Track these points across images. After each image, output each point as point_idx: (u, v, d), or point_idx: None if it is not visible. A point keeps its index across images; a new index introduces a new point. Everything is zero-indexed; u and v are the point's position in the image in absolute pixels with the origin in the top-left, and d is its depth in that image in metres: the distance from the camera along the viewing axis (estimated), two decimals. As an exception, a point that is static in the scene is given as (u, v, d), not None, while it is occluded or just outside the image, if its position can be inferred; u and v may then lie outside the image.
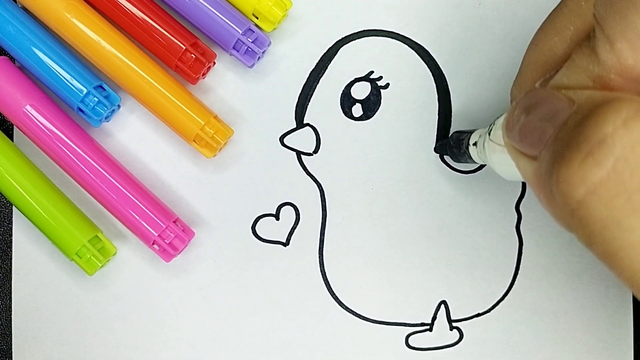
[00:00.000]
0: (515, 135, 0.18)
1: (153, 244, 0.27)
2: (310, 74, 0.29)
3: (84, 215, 0.28)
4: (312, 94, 0.29)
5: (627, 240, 0.14)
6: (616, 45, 0.14)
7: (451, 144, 0.27)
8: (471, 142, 0.25)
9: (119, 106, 0.28)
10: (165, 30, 0.27)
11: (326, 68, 0.29)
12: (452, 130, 0.29)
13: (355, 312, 0.29)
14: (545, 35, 0.20)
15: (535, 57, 0.21)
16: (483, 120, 0.29)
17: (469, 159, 0.26)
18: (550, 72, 0.19)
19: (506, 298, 0.29)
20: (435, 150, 0.29)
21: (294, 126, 0.29)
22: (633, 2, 0.14)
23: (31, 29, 0.27)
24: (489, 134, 0.23)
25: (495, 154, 0.22)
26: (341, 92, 0.29)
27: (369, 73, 0.29)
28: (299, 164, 0.29)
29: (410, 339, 0.29)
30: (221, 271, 0.29)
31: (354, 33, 0.29)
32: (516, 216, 0.29)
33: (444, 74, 0.29)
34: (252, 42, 0.28)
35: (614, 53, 0.14)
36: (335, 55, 0.29)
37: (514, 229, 0.29)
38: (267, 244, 0.29)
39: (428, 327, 0.29)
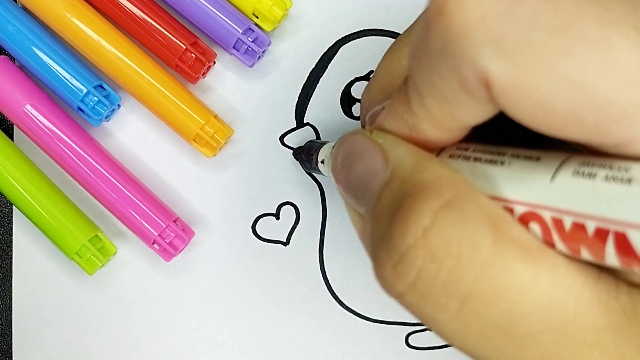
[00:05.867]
0: (342, 182, 0.17)
1: (153, 243, 0.27)
2: (310, 73, 0.29)
3: (84, 214, 0.28)
4: (312, 94, 0.29)
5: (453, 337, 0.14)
6: (425, 100, 0.14)
7: (303, 157, 0.26)
8: (319, 159, 0.24)
9: (119, 105, 0.28)
10: (165, 29, 0.27)
11: (326, 67, 0.29)
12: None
13: (355, 312, 0.29)
14: (397, 52, 0.20)
15: (384, 71, 0.20)
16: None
17: (321, 173, 0.25)
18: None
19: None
20: (294, 156, 0.28)
21: (294, 125, 0.29)
22: (435, 67, 0.14)
23: (31, 29, 0.27)
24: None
25: None
26: (341, 91, 0.29)
27: (369, 72, 0.29)
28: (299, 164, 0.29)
29: (410, 338, 0.29)
30: (221, 270, 0.29)
31: (354, 32, 0.29)
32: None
33: (444, 74, 0.29)
34: (252, 42, 0.28)
35: (424, 106, 0.15)
36: (335, 54, 0.29)
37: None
38: (267, 243, 0.29)
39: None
